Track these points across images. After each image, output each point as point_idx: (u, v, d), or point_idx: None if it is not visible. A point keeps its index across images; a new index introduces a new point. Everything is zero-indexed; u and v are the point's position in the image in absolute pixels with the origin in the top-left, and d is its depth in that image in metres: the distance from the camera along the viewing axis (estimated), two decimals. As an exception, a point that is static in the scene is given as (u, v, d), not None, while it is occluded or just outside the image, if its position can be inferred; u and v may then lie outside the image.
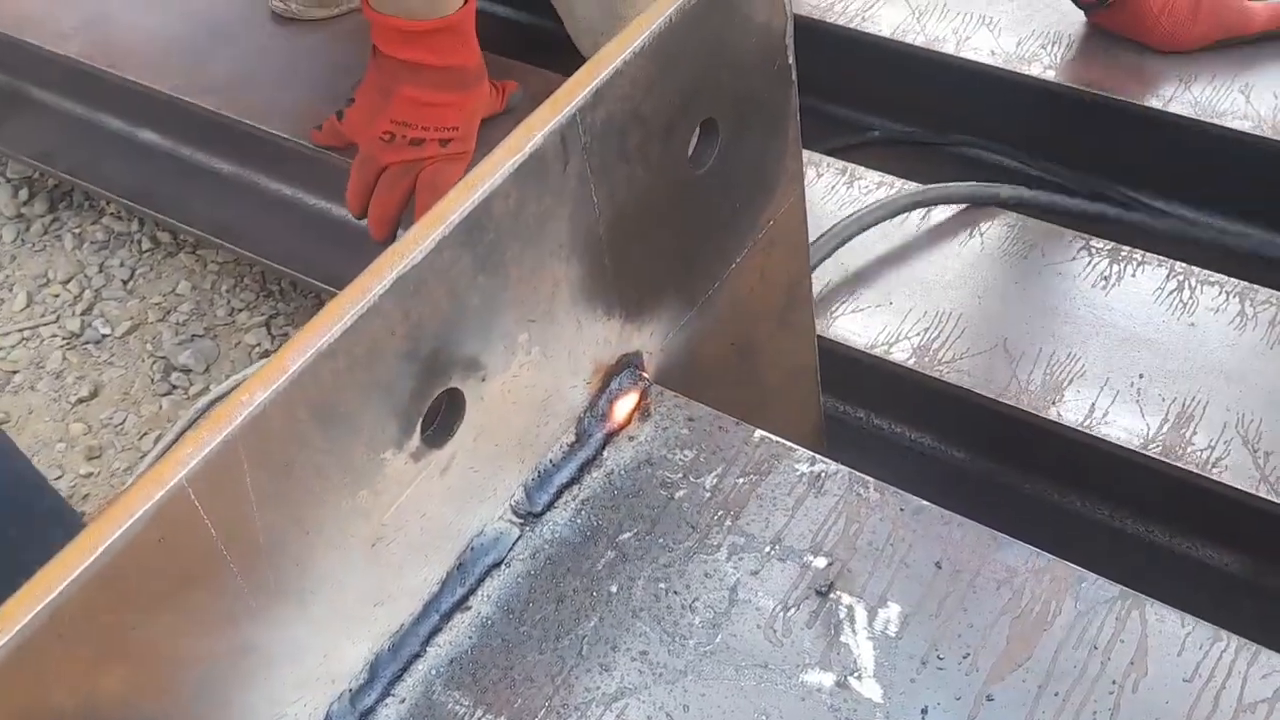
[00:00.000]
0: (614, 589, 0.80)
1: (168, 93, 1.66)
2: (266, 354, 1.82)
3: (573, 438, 0.86)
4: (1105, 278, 1.22)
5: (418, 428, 0.74)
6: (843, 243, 1.29)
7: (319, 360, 0.66)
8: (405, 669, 0.77)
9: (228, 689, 0.68)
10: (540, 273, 0.78)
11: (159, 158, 1.85)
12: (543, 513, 0.84)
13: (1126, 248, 1.24)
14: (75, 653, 0.59)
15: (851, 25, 1.53)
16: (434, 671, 0.78)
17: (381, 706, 0.76)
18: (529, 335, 0.79)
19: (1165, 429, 1.09)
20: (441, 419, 0.77)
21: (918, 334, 1.21)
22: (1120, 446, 1.09)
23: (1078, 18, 1.47)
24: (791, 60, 0.92)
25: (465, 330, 0.74)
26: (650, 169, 0.83)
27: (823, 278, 1.25)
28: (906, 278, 1.26)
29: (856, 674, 0.74)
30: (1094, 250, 1.25)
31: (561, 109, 0.75)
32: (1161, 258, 1.23)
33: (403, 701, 0.77)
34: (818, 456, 0.85)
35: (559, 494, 0.85)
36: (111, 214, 2.06)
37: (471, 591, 0.80)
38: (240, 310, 1.89)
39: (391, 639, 0.78)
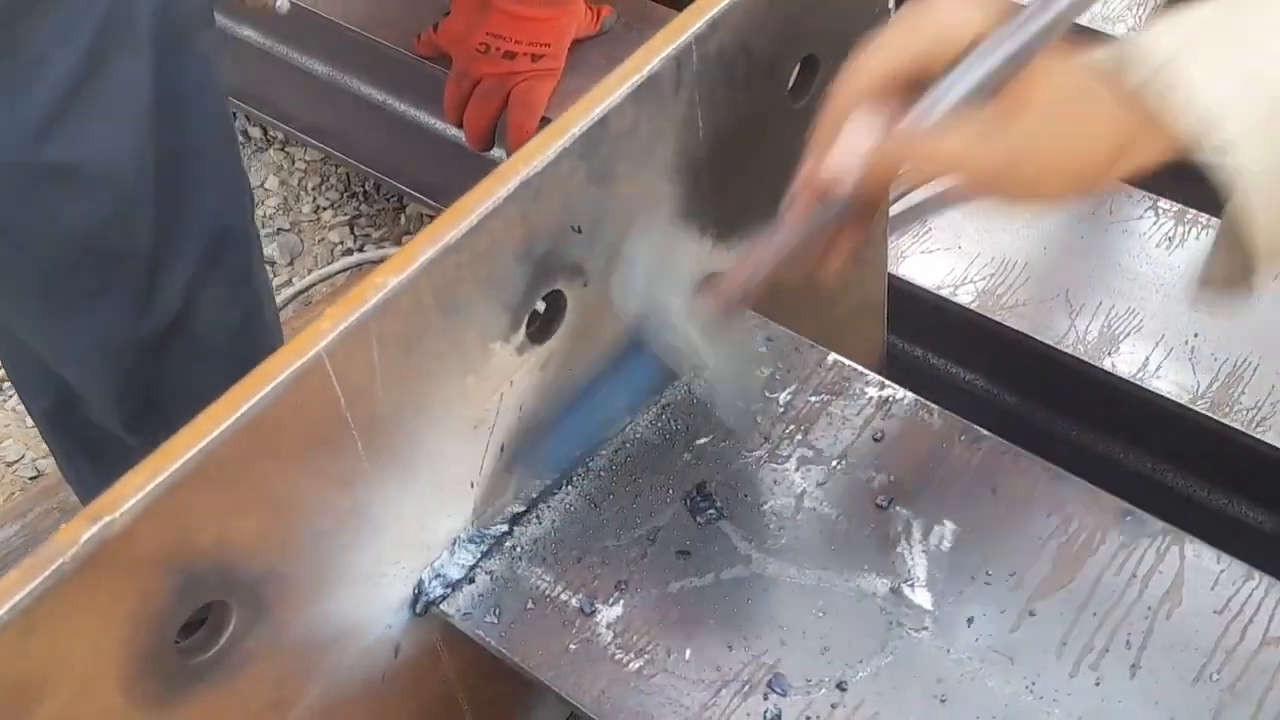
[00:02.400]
0: (688, 487, 0.86)
1: (271, -8, 1.71)
2: (349, 251, 1.89)
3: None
4: (1169, 238, 1.26)
5: (524, 323, 0.80)
6: (915, 186, 1.34)
7: (445, 253, 0.72)
8: (493, 546, 0.84)
9: (336, 547, 0.75)
10: (646, 189, 0.84)
11: (255, 55, 1.90)
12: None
13: (1193, 210, 1.28)
14: (218, 498, 0.66)
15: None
16: (518, 549, 0.84)
17: (469, 578, 0.83)
18: (630, 247, 0.85)
19: (1214, 387, 1.14)
20: (545, 317, 0.83)
21: (983, 278, 1.25)
22: (1170, 400, 1.14)
23: (1166, -19, 1.49)
24: (891, 5, 0.96)
25: (574, 237, 0.80)
26: (752, 99, 0.88)
27: (898, 219, 1.30)
28: (976, 224, 1.30)
29: (909, 582, 0.80)
30: (1160, 211, 1.28)
31: (679, 35, 0.80)
32: (1227, 223, 1.27)
33: (489, 574, 0.83)
34: (886, 382, 0.90)
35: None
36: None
37: (559, 481, 0.87)
38: (325, 209, 1.95)
39: (482, 516, 0.84)
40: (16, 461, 1.73)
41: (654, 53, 0.79)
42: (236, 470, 0.66)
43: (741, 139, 0.89)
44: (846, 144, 0.69)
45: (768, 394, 0.90)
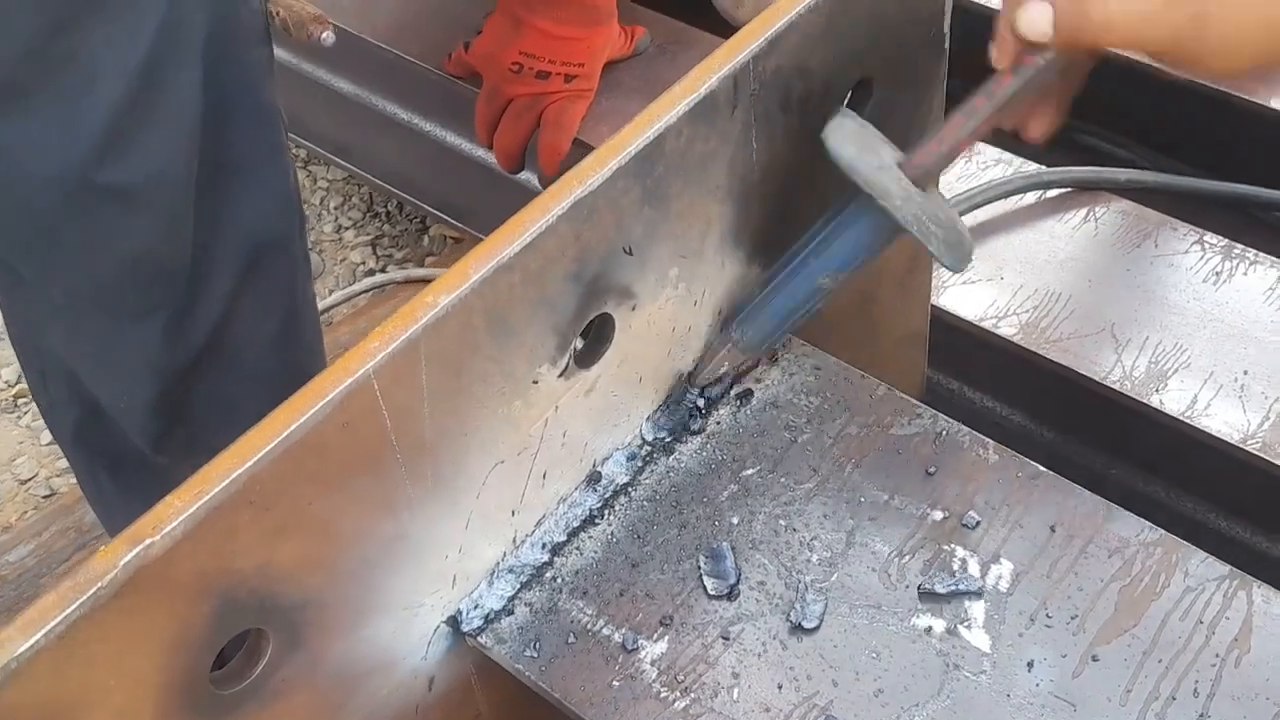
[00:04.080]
0: (735, 520, 0.83)
1: (299, 9, 1.70)
2: (371, 272, 1.87)
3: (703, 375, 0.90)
4: (1217, 273, 1.24)
5: (572, 346, 0.78)
6: (960, 215, 1.32)
7: (498, 271, 0.69)
8: (533, 577, 0.81)
9: (377, 573, 0.72)
10: (697, 210, 0.82)
11: (279, 71, 1.88)
12: (671, 442, 0.87)
13: (1240, 245, 1.26)
14: (260, 521, 0.63)
15: (981, 2, 1.54)
16: (560, 580, 0.82)
17: (507, 610, 0.80)
18: (679, 270, 0.83)
19: (1266, 426, 1.11)
20: (591, 341, 0.80)
21: (1026, 311, 1.23)
22: (1219, 439, 1.11)
23: (1208, 15, 1.47)
24: (947, 29, 0.94)
25: (624, 259, 0.78)
26: (807, 121, 0.86)
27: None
28: (1020, 255, 1.28)
29: (966, 623, 0.77)
30: (1207, 245, 1.26)
31: (737, 54, 0.78)
32: (1274, 258, 1.24)
33: (528, 606, 0.81)
34: (939, 414, 0.88)
35: (687, 426, 0.88)
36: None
37: (601, 510, 0.84)
38: (347, 228, 1.93)
39: (523, 546, 0.82)
40: (30, 480, 1.70)
41: (712, 71, 0.77)
42: (280, 493, 0.63)
43: (795, 162, 0.87)
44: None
45: (817, 423, 0.88)
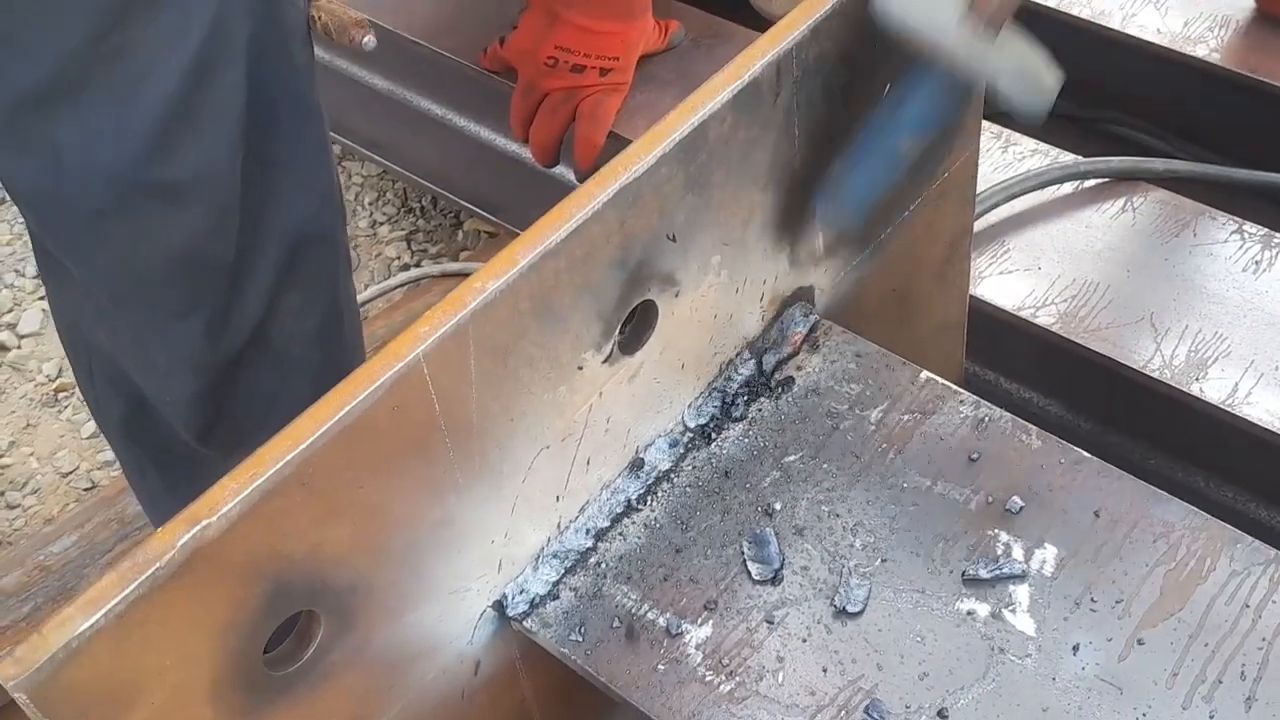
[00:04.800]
0: (778, 506, 0.84)
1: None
2: (406, 267, 1.88)
3: (745, 361, 0.90)
4: (1256, 262, 1.23)
5: (616, 333, 0.78)
6: (993, 207, 1.31)
7: (545, 257, 0.70)
8: (578, 562, 0.82)
9: (424, 557, 0.73)
10: (740, 199, 0.82)
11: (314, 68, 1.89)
12: (713, 429, 0.88)
13: (1279, 235, 1.25)
14: (312, 503, 0.64)
15: (1019, -7, 1.54)
16: (604, 566, 0.82)
17: (552, 594, 0.81)
18: (721, 258, 0.83)
19: (1308, 415, 1.11)
20: (635, 328, 0.81)
21: (1065, 300, 1.22)
22: (1261, 427, 1.11)
23: (1245, 3, 1.46)
24: (987, 17, 0.94)
25: (668, 246, 0.78)
26: (849, 110, 0.86)
27: (974, 239, 1.27)
28: (1057, 245, 1.27)
29: (1011, 608, 0.77)
30: (1246, 235, 1.25)
31: (780, 41, 0.78)
32: (1315, 248, 1.24)
33: (573, 590, 0.81)
34: (981, 401, 0.88)
35: (728, 413, 0.88)
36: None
37: (643, 496, 0.85)
38: (381, 223, 1.94)
39: (567, 532, 0.82)
40: (71, 473, 1.72)
41: (755, 59, 0.77)
42: (331, 476, 0.64)
43: (837, 150, 0.87)
44: None
45: (859, 410, 0.88)
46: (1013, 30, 0.82)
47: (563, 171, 1.55)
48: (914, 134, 0.85)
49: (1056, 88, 0.82)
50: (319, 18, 1.07)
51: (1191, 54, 1.43)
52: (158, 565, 0.58)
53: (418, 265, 1.89)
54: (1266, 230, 1.26)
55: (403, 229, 1.94)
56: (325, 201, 1.02)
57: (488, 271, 0.68)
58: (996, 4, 0.79)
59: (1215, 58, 1.43)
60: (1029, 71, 0.80)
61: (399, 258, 1.90)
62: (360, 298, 1.78)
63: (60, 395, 1.81)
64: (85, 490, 1.69)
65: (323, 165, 1.03)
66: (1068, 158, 1.35)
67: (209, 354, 0.98)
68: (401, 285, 1.85)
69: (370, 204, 1.98)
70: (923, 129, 0.85)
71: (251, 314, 0.98)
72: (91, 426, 1.72)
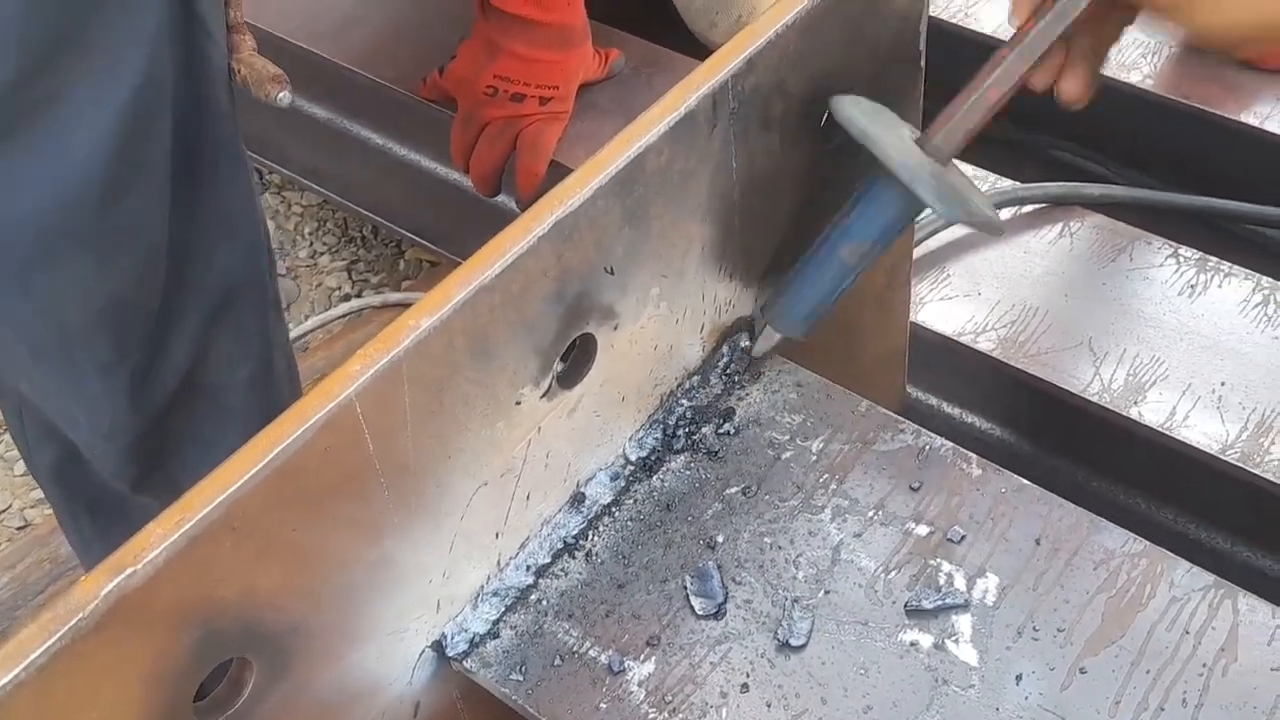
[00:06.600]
0: (720, 539, 0.83)
1: (278, 35, 1.69)
2: (347, 297, 1.86)
3: (686, 392, 0.90)
4: (1192, 286, 1.24)
5: (554, 367, 0.77)
6: (934, 233, 1.32)
7: (480, 293, 0.69)
8: (518, 600, 0.81)
9: (361, 599, 0.72)
10: (678, 230, 0.81)
11: (252, 96, 1.88)
12: (654, 461, 0.87)
13: (1214, 259, 1.26)
14: (242, 547, 0.62)
15: (954, 21, 1.55)
16: (545, 603, 0.81)
17: (492, 633, 0.80)
18: (660, 289, 0.82)
19: (1244, 436, 1.12)
20: (574, 361, 0.80)
21: (1004, 325, 1.23)
22: (1199, 450, 1.12)
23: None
24: (922, 48, 0.94)
25: (606, 279, 0.77)
26: (786, 140, 0.86)
27: (915, 265, 1.28)
28: (996, 270, 1.28)
29: (954, 638, 0.77)
30: (1182, 259, 1.27)
31: (716, 73, 0.78)
32: (1248, 271, 1.25)
33: (513, 629, 0.80)
34: (922, 430, 0.88)
35: (670, 445, 0.88)
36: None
37: (585, 531, 0.84)
38: (322, 254, 1.93)
39: (507, 569, 0.81)
40: (3, 511, 1.69)
41: (691, 90, 0.77)
42: (262, 519, 0.62)
43: (774, 180, 0.87)
44: None
45: (800, 440, 0.88)
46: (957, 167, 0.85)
47: (505, 200, 1.54)
48: (857, 246, 0.85)
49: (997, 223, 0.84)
50: (239, 69, 1.06)
51: (1126, 80, 1.45)
52: (80, 615, 0.56)
53: (359, 295, 1.87)
54: (1201, 254, 1.28)
55: (343, 259, 1.92)
56: (252, 248, 1.01)
57: (421, 308, 0.67)
58: (952, 122, 0.81)
59: (1149, 84, 1.45)
60: (971, 209, 0.82)
61: (340, 288, 1.88)
62: (300, 329, 1.77)
63: (-7, 433, 1.78)
64: (18, 529, 1.66)
65: (249, 212, 1.02)
66: (1005, 183, 1.36)
67: (138, 405, 0.96)
68: (342, 316, 1.83)
69: (310, 234, 1.96)
70: (866, 240, 0.85)
71: (180, 363, 0.96)
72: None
